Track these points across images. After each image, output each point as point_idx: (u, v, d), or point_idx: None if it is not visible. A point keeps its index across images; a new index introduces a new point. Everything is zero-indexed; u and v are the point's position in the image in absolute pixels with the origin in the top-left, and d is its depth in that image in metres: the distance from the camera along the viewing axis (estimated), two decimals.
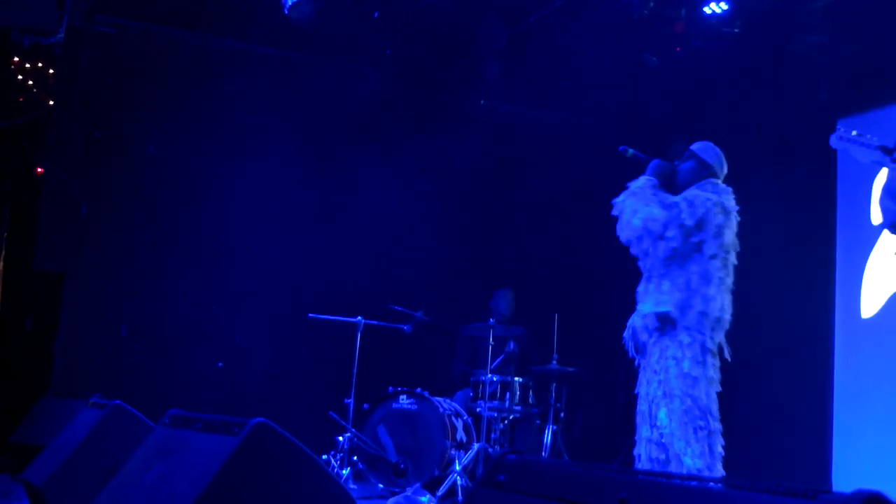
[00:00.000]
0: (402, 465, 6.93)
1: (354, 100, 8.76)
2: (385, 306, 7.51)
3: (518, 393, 7.34)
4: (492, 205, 9.39)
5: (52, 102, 8.51)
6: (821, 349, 7.31)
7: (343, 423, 6.79)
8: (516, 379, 7.36)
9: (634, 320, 4.78)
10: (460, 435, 7.16)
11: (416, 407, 7.18)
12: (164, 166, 8.17)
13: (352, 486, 6.70)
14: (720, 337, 4.63)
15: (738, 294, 8.20)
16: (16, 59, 8.54)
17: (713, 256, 4.58)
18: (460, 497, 6.54)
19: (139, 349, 7.83)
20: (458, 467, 6.78)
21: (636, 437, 4.67)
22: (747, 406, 7.97)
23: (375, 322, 7.25)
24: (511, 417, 7.45)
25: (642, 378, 4.74)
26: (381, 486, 6.92)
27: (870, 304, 7.00)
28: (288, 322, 7.94)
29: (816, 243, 7.48)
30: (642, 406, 4.68)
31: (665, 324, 4.54)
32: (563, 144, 9.19)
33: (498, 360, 7.46)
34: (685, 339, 4.49)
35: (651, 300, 4.64)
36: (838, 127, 4.84)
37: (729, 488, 1.39)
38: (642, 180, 4.82)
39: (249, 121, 8.43)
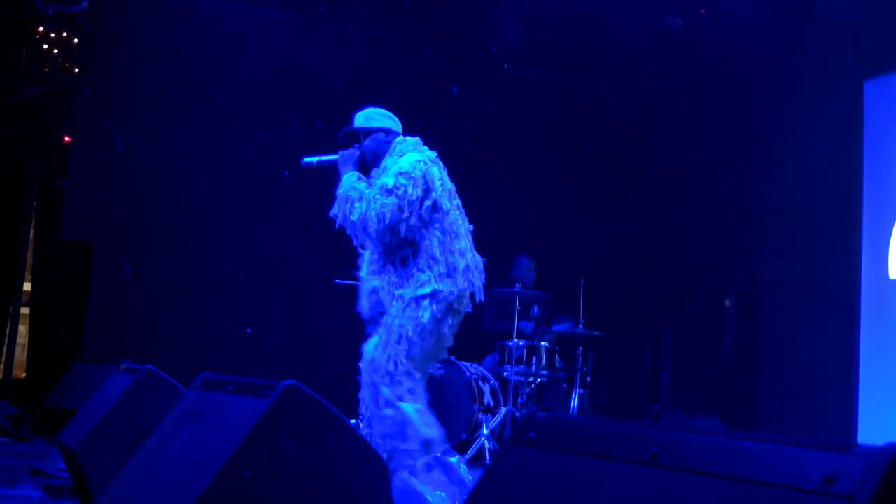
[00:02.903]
0: None
1: (375, 65, 8.74)
2: None
3: (545, 357, 7.36)
4: (515, 169, 9.37)
5: (76, 71, 8.54)
6: (847, 308, 7.29)
7: None
8: (542, 343, 7.38)
9: (382, 297, 4.64)
10: (487, 399, 7.20)
11: (443, 371, 7.22)
12: (190, 132, 8.20)
13: None
14: (480, 280, 4.63)
15: (767, 254, 8.21)
16: (40, 28, 8.56)
17: (449, 209, 4.54)
18: (488, 460, 6.58)
19: (168, 316, 7.90)
20: (485, 431, 6.82)
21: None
22: (774, 364, 7.98)
23: None
24: (538, 381, 7.48)
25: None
26: None
27: None
28: (315, 288, 7.98)
29: (844, 204, 7.45)
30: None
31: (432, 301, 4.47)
32: (586, 109, 9.16)
33: (526, 323, 7.50)
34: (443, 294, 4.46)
35: (411, 284, 4.49)
36: None
37: (760, 443, 1.40)
38: (347, 180, 4.62)
39: (273, 87, 8.44)
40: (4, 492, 4.49)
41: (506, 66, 9.36)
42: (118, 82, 8.07)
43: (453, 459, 4.08)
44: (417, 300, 4.44)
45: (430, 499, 3.74)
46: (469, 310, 4.66)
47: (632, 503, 1.49)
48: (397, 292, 4.53)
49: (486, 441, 6.75)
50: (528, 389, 7.34)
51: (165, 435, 3.17)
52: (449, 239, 4.51)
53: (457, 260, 4.50)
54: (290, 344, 8.06)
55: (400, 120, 4.98)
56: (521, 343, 7.27)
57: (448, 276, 4.47)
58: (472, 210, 8.72)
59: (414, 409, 4.34)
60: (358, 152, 4.75)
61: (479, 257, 4.68)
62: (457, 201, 4.67)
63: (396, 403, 4.34)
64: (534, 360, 7.30)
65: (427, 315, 4.42)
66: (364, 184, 4.58)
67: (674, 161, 9.02)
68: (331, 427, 2.82)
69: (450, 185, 4.64)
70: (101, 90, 8.05)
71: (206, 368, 3.41)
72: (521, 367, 7.24)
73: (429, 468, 4.00)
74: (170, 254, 8.02)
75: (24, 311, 8.90)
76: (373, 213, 4.42)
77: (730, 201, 8.59)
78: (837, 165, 7.53)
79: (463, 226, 4.64)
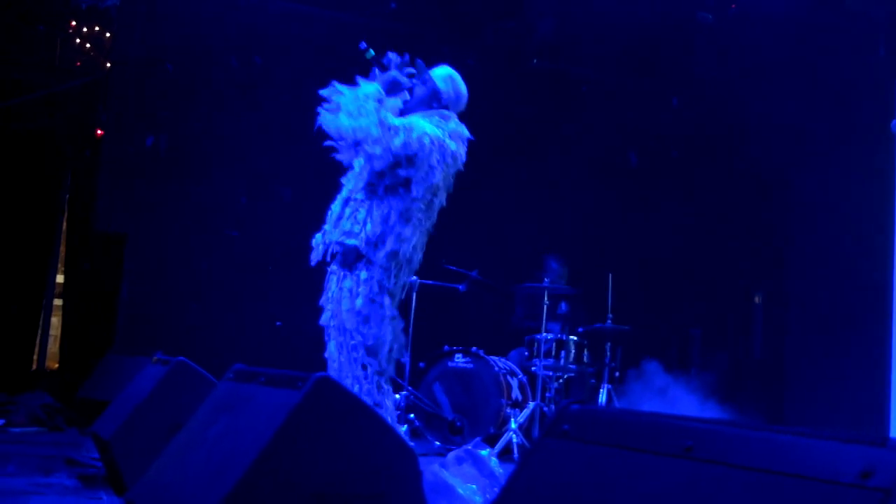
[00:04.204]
0: (458, 423, 7.00)
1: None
2: (440, 266, 7.53)
3: (573, 352, 7.36)
4: (545, 165, 9.35)
5: (108, 66, 8.61)
6: (879, 304, 7.24)
7: (399, 381, 6.85)
8: (571, 338, 7.38)
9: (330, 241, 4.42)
10: (515, 394, 7.21)
11: (471, 366, 7.24)
12: (222, 125, 8.24)
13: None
14: (406, 277, 4.36)
15: (797, 250, 8.16)
16: (73, 23, 8.64)
17: (417, 198, 4.27)
18: (516, 455, 6.59)
19: (199, 308, 7.95)
20: (513, 426, 6.83)
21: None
22: (804, 361, 7.94)
23: (430, 282, 7.29)
24: (566, 376, 7.48)
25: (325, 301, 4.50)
26: (437, 443, 7.00)
27: None
28: None
29: (875, 199, 7.39)
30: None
31: (349, 257, 4.27)
32: (614, 103, 9.12)
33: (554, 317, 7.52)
34: (363, 274, 4.24)
35: (342, 228, 4.32)
36: None
37: (795, 436, 1.40)
38: (373, 88, 4.29)
39: (302, 81, 8.46)
40: (39, 480, 4.55)
41: (535, 60, 9.34)
42: (150, 76, 8.12)
43: (484, 452, 4.09)
44: (350, 290, 4.28)
45: (460, 491, 3.75)
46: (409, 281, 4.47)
47: (666, 496, 1.49)
48: (328, 227, 4.38)
49: (514, 435, 6.76)
50: (556, 384, 7.34)
51: (198, 425, 3.20)
52: (397, 218, 4.26)
53: (390, 240, 4.26)
54: (319, 338, 8.08)
55: None
56: (549, 337, 7.26)
57: (375, 246, 4.25)
58: (502, 207, 8.74)
59: None
60: (405, 90, 4.45)
61: (418, 256, 4.42)
62: (435, 199, 4.39)
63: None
64: (562, 354, 7.30)
65: (360, 301, 4.24)
66: (375, 105, 4.23)
67: (704, 157, 8.98)
68: (362, 419, 2.84)
69: (438, 180, 4.33)
70: (132, 84, 8.10)
71: (236, 360, 3.44)
72: (550, 361, 7.24)
73: (459, 461, 4.01)
74: (201, 246, 8.08)
75: (57, 302, 8.99)
76: (359, 123, 4.16)
77: (760, 196, 8.55)
78: (869, 160, 7.47)
79: (421, 220, 4.35)
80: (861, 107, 7.59)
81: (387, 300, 4.28)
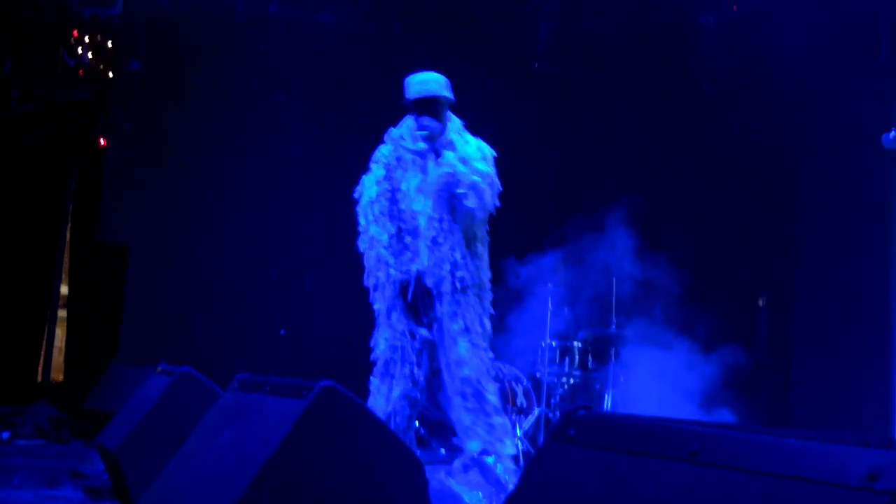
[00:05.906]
0: None
1: (408, 64, 8.75)
2: None
3: (577, 358, 7.34)
4: (545, 167, 9.34)
5: (111, 75, 8.62)
6: (883, 307, 7.23)
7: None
8: (575, 344, 7.36)
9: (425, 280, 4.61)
10: (520, 401, 7.19)
11: None
12: (225, 136, 8.25)
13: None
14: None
15: (801, 252, 8.14)
16: (76, 32, 8.64)
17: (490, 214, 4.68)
18: (521, 462, 6.58)
19: (203, 317, 7.96)
20: (518, 433, 6.81)
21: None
22: (809, 365, 7.92)
23: None
24: (571, 382, 7.46)
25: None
26: (443, 451, 6.98)
27: None
28: (348, 288, 7.99)
29: (878, 200, 7.38)
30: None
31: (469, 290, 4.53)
32: (614, 103, 9.12)
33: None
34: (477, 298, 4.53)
35: (474, 271, 4.56)
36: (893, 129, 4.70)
37: (802, 440, 1.39)
38: (451, 159, 4.62)
39: (306, 92, 8.48)
40: (45, 493, 4.55)
41: (536, 65, 9.34)
42: (152, 85, 8.14)
43: (490, 460, 4.09)
44: (476, 294, 4.51)
45: (466, 499, 3.75)
46: None
47: (673, 500, 1.49)
48: (459, 273, 4.51)
49: (519, 442, 6.74)
50: (561, 390, 7.33)
51: (204, 436, 3.20)
52: (481, 247, 4.64)
53: (483, 266, 4.64)
54: (323, 346, 8.09)
55: None
56: (553, 343, 7.25)
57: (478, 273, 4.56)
58: (505, 205, 8.67)
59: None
60: (441, 127, 4.76)
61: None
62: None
63: (502, 412, 4.49)
64: (566, 360, 7.28)
65: (487, 304, 4.57)
66: (465, 168, 4.54)
67: (708, 158, 8.97)
68: (368, 427, 2.84)
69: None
70: (135, 94, 8.12)
71: (241, 370, 3.43)
72: (555, 367, 7.22)
73: (466, 468, 4.01)
74: (204, 256, 8.08)
75: (62, 313, 8.98)
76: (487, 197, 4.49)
77: (764, 198, 8.53)
78: (872, 160, 7.46)
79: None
80: (863, 106, 7.57)
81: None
